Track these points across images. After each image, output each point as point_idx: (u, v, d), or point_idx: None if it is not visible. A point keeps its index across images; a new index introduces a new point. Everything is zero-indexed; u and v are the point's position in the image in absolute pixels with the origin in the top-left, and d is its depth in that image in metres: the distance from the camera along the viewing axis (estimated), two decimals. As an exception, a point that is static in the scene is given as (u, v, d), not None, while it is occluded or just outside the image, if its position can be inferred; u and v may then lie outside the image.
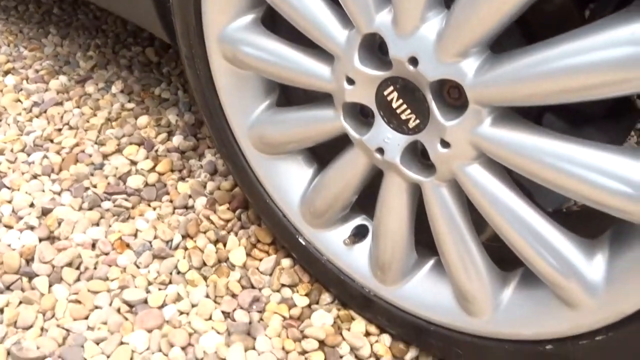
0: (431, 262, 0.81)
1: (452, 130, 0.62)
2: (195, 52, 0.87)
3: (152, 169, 1.20)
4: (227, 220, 1.08)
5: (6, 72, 1.52)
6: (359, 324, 0.91)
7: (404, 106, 0.66)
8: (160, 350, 0.89)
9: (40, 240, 1.05)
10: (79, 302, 0.96)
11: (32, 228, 1.07)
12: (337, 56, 0.69)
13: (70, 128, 1.32)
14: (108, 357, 0.88)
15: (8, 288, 0.98)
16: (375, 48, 0.67)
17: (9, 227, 1.08)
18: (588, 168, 0.53)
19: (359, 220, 0.89)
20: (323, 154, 0.89)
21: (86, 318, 0.94)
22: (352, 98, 0.70)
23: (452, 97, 0.62)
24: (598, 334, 0.60)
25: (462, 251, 0.71)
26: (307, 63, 0.74)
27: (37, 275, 0.99)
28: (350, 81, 0.69)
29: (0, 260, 1.00)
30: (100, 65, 1.55)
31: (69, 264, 1.01)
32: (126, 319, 0.93)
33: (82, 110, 1.37)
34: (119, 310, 0.95)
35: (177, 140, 1.27)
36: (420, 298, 0.81)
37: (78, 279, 1.00)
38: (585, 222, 0.64)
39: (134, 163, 1.22)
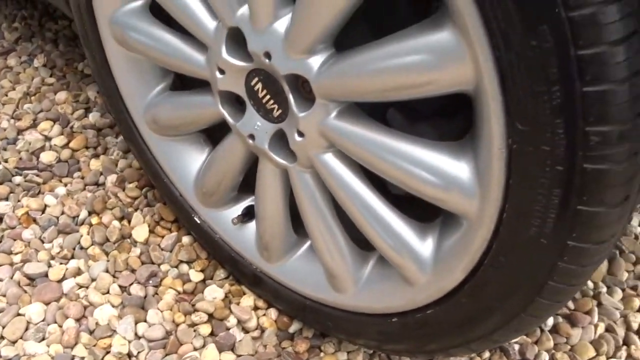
0: (308, 242, 0.87)
1: (304, 121, 0.66)
2: (88, 32, 0.89)
3: (66, 145, 1.22)
4: (134, 198, 1.12)
5: None
6: (248, 299, 0.96)
7: (268, 96, 0.71)
8: (55, 322, 0.93)
9: (-54, 213, 1.07)
10: (-19, 274, 0.99)
11: (-62, 201, 1.09)
12: (208, 46, 0.73)
13: (-11, 103, 1.33)
14: (4, 327, 0.91)
15: None
16: (241, 40, 0.70)
17: None
18: (409, 161, 0.59)
19: (249, 201, 0.94)
20: (216, 136, 0.93)
21: (-13, 290, 0.97)
22: (224, 87, 0.74)
23: (306, 90, 0.66)
24: (428, 308, 0.67)
25: (325, 233, 0.76)
26: (187, 51, 0.77)
27: (-59, 248, 1.02)
28: (221, 71, 0.73)
29: None
30: (25, 37, 1.54)
31: (-27, 238, 1.04)
32: (25, 291, 0.97)
33: (2, 83, 1.37)
34: (19, 283, 0.98)
35: (93, 117, 1.29)
36: (298, 275, 0.87)
37: (-18, 252, 1.03)
38: (427, 208, 0.69)
39: (48, 139, 1.23)
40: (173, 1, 0.74)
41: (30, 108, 1.30)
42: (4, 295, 0.96)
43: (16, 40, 1.52)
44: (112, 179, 1.15)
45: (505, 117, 0.47)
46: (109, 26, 0.85)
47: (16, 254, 1.02)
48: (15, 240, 1.04)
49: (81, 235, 1.05)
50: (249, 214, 0.93)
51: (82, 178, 1.17)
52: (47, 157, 1.19)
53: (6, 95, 1.34)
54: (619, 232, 0.51)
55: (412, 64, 0.52)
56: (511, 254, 0.54)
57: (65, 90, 1.36)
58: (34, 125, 1.26)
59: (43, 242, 1.04)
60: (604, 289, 1.01)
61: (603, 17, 0.40)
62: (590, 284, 1.02)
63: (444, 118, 0.64)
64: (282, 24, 0.63)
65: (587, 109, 0.43)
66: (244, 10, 0.66)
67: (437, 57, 0.50)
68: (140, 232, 1.05)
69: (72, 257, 1.02)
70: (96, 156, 1.21)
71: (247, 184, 0.91)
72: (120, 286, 0.98)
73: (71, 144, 1.22)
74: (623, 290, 1.02)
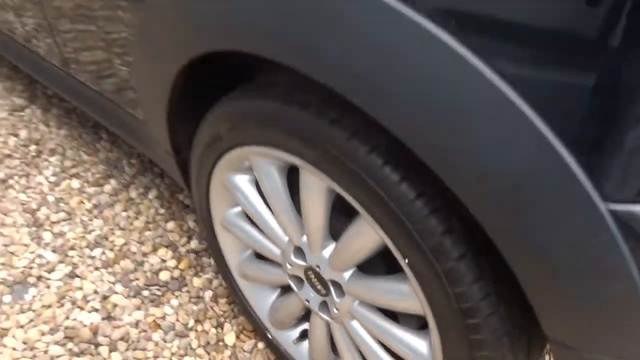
0: None
1: (339, 303, 1.14)
2: (205, 219, 1.40)
3: (176, 267, 1.74)
4: (225, 311, 1.62)
5: (72, 176, 2.08)
6: (303, 391, 1.43)
7: (318, 283, 1.19)
8: (178, 402, 1.43)
9: (102, 319, 1.60)
10: (127, 365, 1.51)
11: (96, 310, 1.62)
12: (282, 249, 1.22)
13: (120, 229, 1.87)
14: (146, 405, 1.42)
15: (82, 353, 1.53)
16: (303, 252, 1.19)
17: (81, 308, 1.63)
18: (396, 339, 1.05)
19: (304, 326, 1.42)
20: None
21: (132, 377, 1.49)
22: (291, 272, 1.23)
23: (341, 287, 1.14)
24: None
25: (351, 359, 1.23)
26: (270, 245, 1.27)
27: (101, 345, 1.54)
28: (290, 264, 1.22)
29: (76, 333, 1.56)
30: (140, 171, 2.10)
31: (121, 338, 1.56)
32: (158, 379, 1.48)
33: (128, 213, 1.92)
34: (153, 373, 1.49)
35: (194, 243, 1.81)
36: (336, 381, 1.34)
37: (127, 349, 1.54)
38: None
39: (164, 261, 1.76)
40: (258, 219, 1.23)
41: (150, 235, 1.84)
42: (144, 382, 1.47)
43: (134, 174, 2.09)
44: (209, 294, 1.66)
45: (439, 334, 0.93)
46: (220, 220, 1.36)
47: (149, 351, 1.54)
48: (147, 341, 1.56)
49: (191, 340, 1.55)
50: (304, 336, 1.41)
51: (188, 292, 1.68)
52: (164, 276, 1.72)
53: (132, 224, 1.88)
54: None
55: (392, 297, 0.99)
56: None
57: (172, 220, 1.89)
58: (154, 250, 1.79)
59: (166, 342, 1.55)
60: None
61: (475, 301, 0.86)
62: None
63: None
64: (327, 252, 1.11)
65: (477, 346, 0.88)
66: (304, 239, 1.15)
67: (403, 297, 0.97)
68: (230, 338, 1.55)
69: (186, 354, 1.53)
70: (197, 275, 1.73)
71: (303, 315, 1.39)
72: (218, 378, 1.47)
73: (180, 265, 1.74)
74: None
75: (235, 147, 1.13)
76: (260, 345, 1.53)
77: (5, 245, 1.80)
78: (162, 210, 1.93)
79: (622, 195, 0.67)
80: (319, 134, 0.93)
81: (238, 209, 1.34)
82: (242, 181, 1.23)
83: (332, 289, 1.14)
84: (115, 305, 1.63)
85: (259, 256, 1.41)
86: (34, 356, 1.50)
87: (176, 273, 1.73)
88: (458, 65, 0.66)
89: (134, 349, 1.54)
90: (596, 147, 0.65)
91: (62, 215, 1.91)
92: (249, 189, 1.23)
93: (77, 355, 1.52)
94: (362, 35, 0.73)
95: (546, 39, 0.63)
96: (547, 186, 0.67)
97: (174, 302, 1.65)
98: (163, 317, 1.62)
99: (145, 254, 1.79)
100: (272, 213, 1.21)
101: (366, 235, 0.97)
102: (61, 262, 1.75)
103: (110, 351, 1.53)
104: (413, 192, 0.85)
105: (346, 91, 0.79)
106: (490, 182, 0.70)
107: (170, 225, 1.87)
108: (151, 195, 1.99)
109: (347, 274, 1.10)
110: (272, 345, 1.46)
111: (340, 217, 1.08)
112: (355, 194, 0.92)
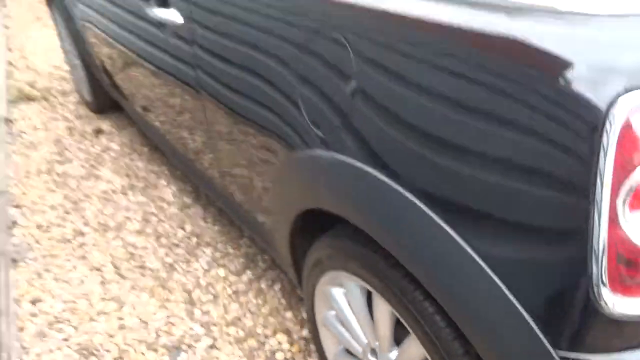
0: None
1: (400, 398, 1.48)
2: (310, 317, 1.84)
3: (289, 350, 2.18)
4: (323, 391, 2.00)
5: (220, 266, 2.66)
6: None
7: (387, 378, 1.54)
8: None
9: (230, 385, 2.07)
10: None
11: (227, 377, 2.11)
12: (363, 349, 1.60)
13: (251, 313, 2.38)
14: None
15: (214, 410, 2.00)
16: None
17: (216, 374, 2.12)
18: None
19: (381, 413, 1.75)
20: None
21: None
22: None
23: (402, 383, 1.48)
24: None
25: None
26: (354, 344, 1.66)
27: (227, 406, 2.00)
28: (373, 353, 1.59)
29: (211, 393, 2.04)
30: (271, 267, 2.62)
31: (243, 402, 2.01)
32: None
33: (258, 301, 2.43)
34: None
35: (305, 332, 2.24)
36: None
37: (246, 412, 1.99)
38: None
39: (280, 344, 2.21)
40: (346, 323, 1.63)
41: (272, 321, 2.31)
42: None
43: (266, 268, 2.62)
44: (312, 376, 2.07)
45: None
46: (321, 318, 1.79)
47: (262, 416, 1.96)
48: (262, 407, 1.99)
49: (294, 411, 1.95)
50: (380, 421, 1.74)
51: (297, 372, 2.10)
52: (279, 356, 2.16)
53: (259, 310, 2.38)
54: None
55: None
56: None
57: (290, 310, 2.36)
58: (274, 333, 2.26)
59: (275, 411, 1.97)
60: None
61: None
62: None
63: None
64: (392, 355, 1.48)
65: None
66: (377, 343, 1.52)
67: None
68: (324, 414, 1.92)
69: (289, 423, 1.93)
70: (304, 358, 2.15)
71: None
72: None
73: (292, 349, 2.18)
74: None
75: (331, 270, 1.57)
76: None
77: (168, 317, 2.40)
78: (283, 301, 2.42)
79: (570, 346, 0.98)
80: (385, 273, 1.33)
81: (334, 312, 1.76)
82: (337, 293, 1.65)
83: (394, 381, 1.49)
84: (240, 376, 2.11)
85: (348, 351, 1.80)
86: (181, 407, 2.01)
87: (289, 355, 2.16)
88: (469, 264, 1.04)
89: (251, 413, 1.98)
90: (551, 312, 0.98)
91: (209, 297, 2.47)
92: (342, 299, 1.65)
93: (210, 411, 1.99)
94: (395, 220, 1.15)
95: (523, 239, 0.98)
96: (513, 336, 1.00)
97: (285, 378, 2.08)
98: (275, 390, 2.05)
99: (267, 336, 2.26)
100: (356, 320, 1.61)
101: (415, 349, 1.33)
102: (206, 335, 2.29)
103: (234, 412, 1.99)
104: (444, 322, 1.21)
105: (392, 249, 1.20)
106: (480, 330, 1.05)
107: (289, 314, 2.34)
108: (277, 287, 2.49)
109: (402, 375, 1.45)
110: None
111: (404, 330, 1.45)
112: (406, 318, 1.30)
